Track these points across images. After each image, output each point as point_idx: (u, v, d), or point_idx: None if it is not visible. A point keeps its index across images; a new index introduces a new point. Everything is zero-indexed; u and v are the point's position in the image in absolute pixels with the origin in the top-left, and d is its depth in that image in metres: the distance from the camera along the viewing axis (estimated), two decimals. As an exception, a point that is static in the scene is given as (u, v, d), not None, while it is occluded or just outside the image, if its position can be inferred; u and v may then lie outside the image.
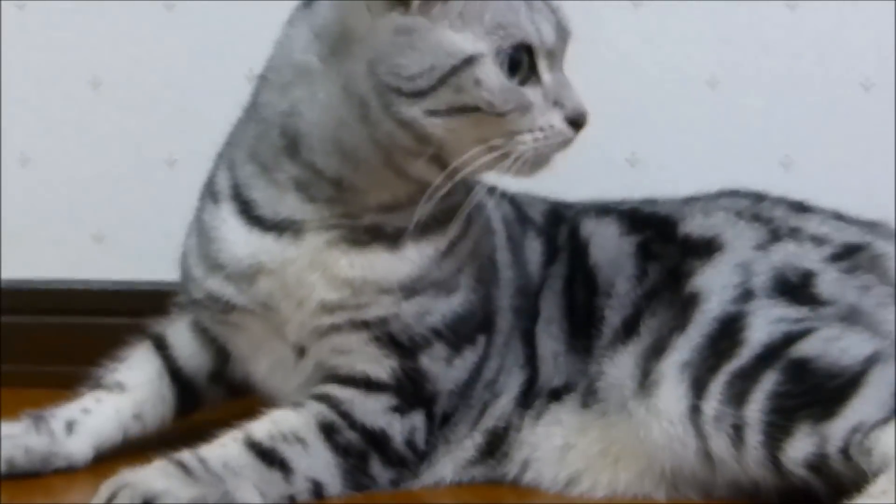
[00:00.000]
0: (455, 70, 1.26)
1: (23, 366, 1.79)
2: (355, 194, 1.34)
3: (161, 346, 1.52)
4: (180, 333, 1.52)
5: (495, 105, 1.26)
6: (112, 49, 1.80)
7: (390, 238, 1.34)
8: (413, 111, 1.27)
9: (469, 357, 1.40)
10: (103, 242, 1.83)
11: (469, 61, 1.26)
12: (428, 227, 1.35)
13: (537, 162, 1.30)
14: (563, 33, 1.33)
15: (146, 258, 1.78)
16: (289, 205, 1.36)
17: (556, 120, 1.30)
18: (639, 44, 1.79)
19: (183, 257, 1.45)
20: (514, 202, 1.54)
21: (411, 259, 1.35)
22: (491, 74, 1.26)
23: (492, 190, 1.49)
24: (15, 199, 1.83)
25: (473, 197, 1.33)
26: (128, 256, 1.82)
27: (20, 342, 1.80)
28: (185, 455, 1.26)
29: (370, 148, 1.31)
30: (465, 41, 1.27)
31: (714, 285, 1.35)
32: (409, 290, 1.34)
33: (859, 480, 1.20)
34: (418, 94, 1.27)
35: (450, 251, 1.37)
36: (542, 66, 1.30)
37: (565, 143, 1.31)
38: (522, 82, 1.29)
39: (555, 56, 1.31)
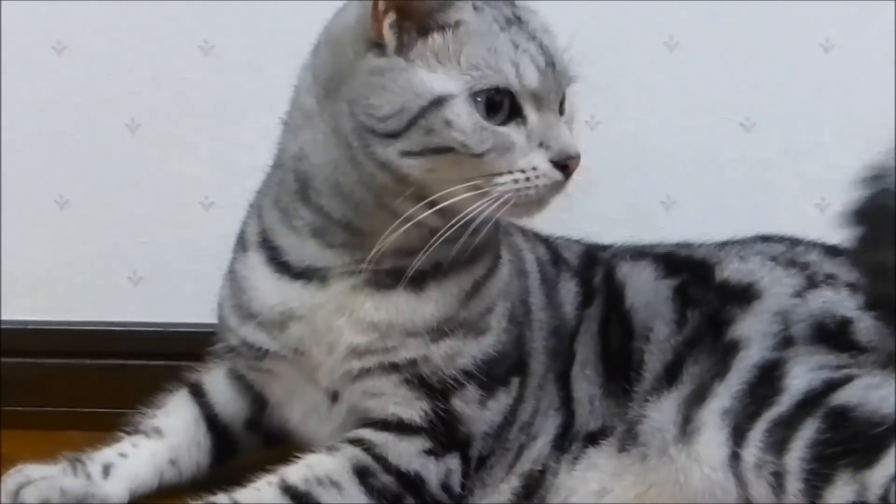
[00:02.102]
0: (424, 111, 1.24)
1: (59, 408, 1.79)
2: (365, 238, 1.32)
3: (198, 394, 1.52)
4: (217, 381, 1.52)
5: (469, 145, 1.24)
6: (150, 92, 1.81)
7: (413, 281, 1.33)
8: (388, 152, 1.26)
9: (503, 399, 1.39)
10: (139, 285, 1.83)
11: (438, 102, 1.24)
12: (451, 268, 1.34)
13: (526, 203, 1.27)
14: (554, 75, 1.29)
15: (182, 301, 1.79)
16: (310, 252, 1.36)
17: (540, 161, 1.26)
18: (673, 86, 1.78)
19: (219, 307, 1.46)
20: (550, 244, 1.53)
21: (435, 300, 1.34)
22: (462, 115, 1.24)
23: (525, 232, 1.50)
24: (53, 240, 1.83)
25: (489, 235, 1.32)
26: (163, 299, 1.82)
27: (56, 384, 1.80)
28: (220, 498, 1.27)
29: (362, 189, 1.31)
30: (435, 81, 1.25)
31: (754, 333, 1.35)
32: (437, 331, 1.34)
33: (898, 529, 1.19)
34: (392, 136, 1.26)
35: (476, 291, 1.37)
36: (528, 107, 1.27)
37: (555, 185, 1.26)
38: (504, 122, 1.26)
39: (543, 97, 1.28)
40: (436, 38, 1.27)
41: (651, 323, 1.42)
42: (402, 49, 1.26)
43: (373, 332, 1.34)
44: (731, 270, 1.43)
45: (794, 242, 1.49)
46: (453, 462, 1.36)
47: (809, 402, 1.27)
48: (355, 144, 1.28)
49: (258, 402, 1.50)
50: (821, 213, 1.76)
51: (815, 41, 1.76)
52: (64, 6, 1.79)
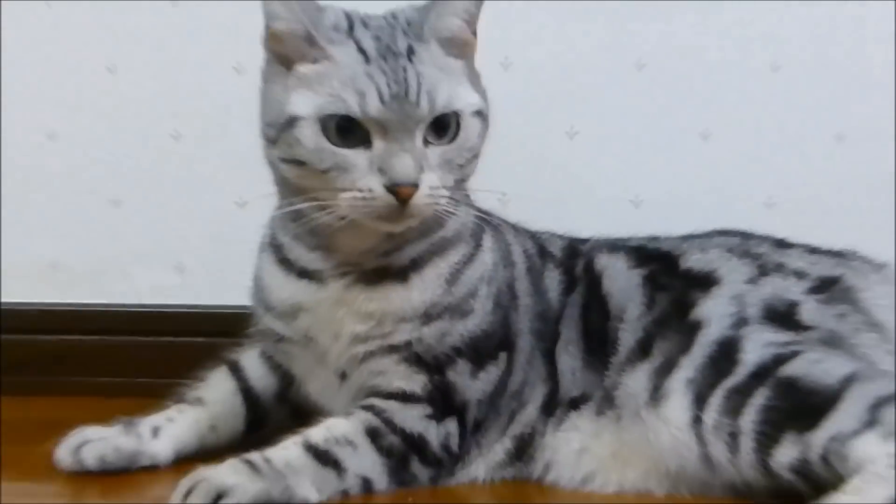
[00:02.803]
0: (283, 127, 1.24)
1: (115, 378, 1.79)
2: (330, 240, 1.32)
3: (235, 370, 1.51)
4: (251, 360, 1.52)
5: (312, 162, 1.23)
6: (191, 108, 1.80)
7: (397, 275, 1.33)
8: (272, 155, 1.28)
9: (493, 371, 1.38)
10: (183, 273, 1.83)
11: (291, 122, 1.24)
12: (425, 259, 1.34)
13: (375, 217, 1.24)
14: (406, 107, 1.23)
15: (220, 287, 1.79)
16: (301, 255, 1.36)
17: (375, 184, 1.22)
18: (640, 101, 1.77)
19: (251, 297, 1.46)
20: (536, 239, 1.52)
21: (419, 289, 1.33)
22: (308, 135, 1.23)
23: (515, 228, 1.50)
24: (108, 235, 1.83)
25: (459, 229, 1.34)
26: (204, 285, 1.82)
27: (112, 358, 1.80)
28: (253, 455, 1.27)
29: (280, 188, 1.32)
30: (293, 103, 1.24)
31: (713, 314, 1.34)
32: (426, 315, 1.33)
33: (837, 482, 1.19)
34: (272, 141, 1.27)
35: (455, 277, 1.36)
36: (375, 134, 1.23)
37: (391, 207, 1.23)
38: (351, 146, 1.23)
39: (390, 126, 1.23)
40: (312, 66, 1.26)
41: (625, 306, 1.41)
42: (290, 66, 1.26)
43: (370, 321, 1.33)
44: (694, 260, 1.42)
45: (746, 236, 1.48)
46: (452, 426, 1.36)
47: (761, 374, 1.27)
48: (263, 146, 1.30)
49: (286, 379, 1.49)
50: (768, 210, 1.75)
51: (764, 63, 1.75)
52: (115, 34, 1.79)
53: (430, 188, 1.24)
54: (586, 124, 1.75)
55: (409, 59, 1.25)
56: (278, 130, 1.25)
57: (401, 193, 1.22)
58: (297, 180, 1.27)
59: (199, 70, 1.79)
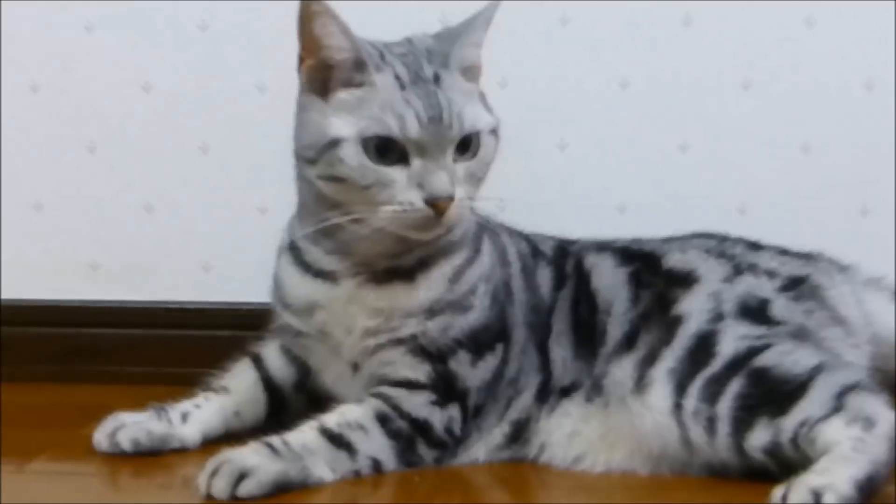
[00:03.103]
0: (325, 147, 1.24)
1: (147, 368, 1.78)
2: (350, 245, 1.31)
3: (257, 361, 1.50)
4: (272, 352, 1.50)
5: (354, 179, 1.23)
6: (218, 122, 1.79)
7: (404, 275, 1.33)
8: (311, 174, 1.27)
9: (490, 360, 1.37)
10: (210, 272, 1.82)
11: (334, 143, 1.23)
12: (431, 260, 1.33)
13: (409, 227, 1.25)
14: (440, 129, 1.24)
15: (244, 285, 1.77)
16: (317, 257, 1.35)
17: (416, 198, 1.23)
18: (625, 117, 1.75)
19: (270, 296, 1.44)
20: (530, 240, 1.50)
21: (424, 287, 1.33)
22: (351, 155, 1.23)
23: (510, 231, 1.48)
24: (142, 238, 1.82)
25: (463, 233, 1.33)
26: (229, 283, 1.81)
27: (145, 349, 1.80)
28: (273, 438, 1.26)
29: (312, 203, 1.31)
30: (334, 125, 1.24)
31: (693, 310, 1.33)
32: (429, 311, 1.32)
33: (806, 463, 1.18)
34: (311, 161, 1.26)
35: (458, 277, 1.35)
36: (413, 153, 1.24)
37: (428, 218, 1.24)
38: (391, 164, 1.23)
39: (426, 146, 1.23)
40: (351, 92, 1.26)
41: (612, 301, 1.39)
42: (326, 93, 1.26)
43: (380, 317, 1.32)
44: (675, 260, 1.41)
45: (722, 238, 1.46)
46: (454, 411, 1.34)
47: (736, 364, 1.26)
48: (299, 166, 1.30)
49: (303, 370, 1.47)
50: (741, 216, 1.73)
51: (736, 81, 1.73)
52: (150, 57, 1.78)
53: (460, 200, 1.25)
54: (575, 137, 1.74)
55: (438, 85, 1.26)
56: (318, 152, 1.25)
57: (439, 206, 1.23)
58: (334, 195, 1.26)
59: (225, 89, 1.78)
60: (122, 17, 1.78)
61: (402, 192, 1.24)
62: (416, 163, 1.24)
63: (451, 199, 1.24)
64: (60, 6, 1.78)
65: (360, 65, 1.26)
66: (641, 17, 1.72)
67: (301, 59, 1.28)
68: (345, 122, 1.24)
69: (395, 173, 1.24)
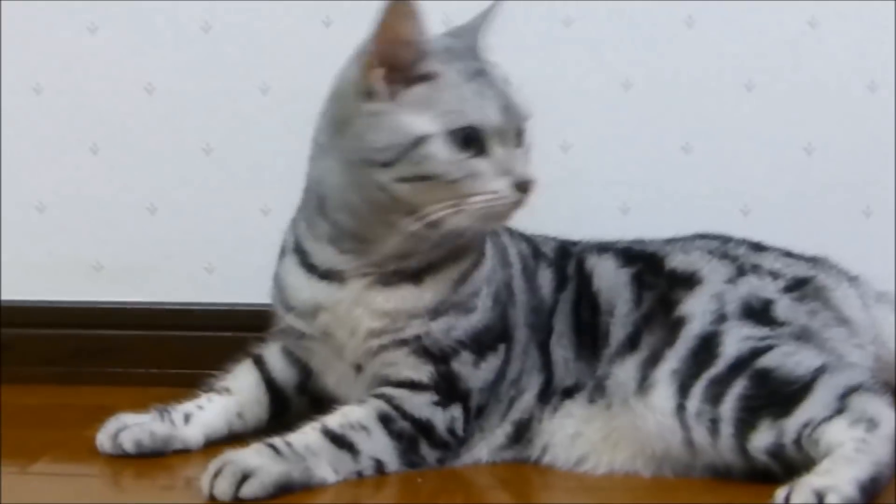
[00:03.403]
0: (409, 146, 1.23)
1: (150, 369, 1.78)
2: (370, 245, 1.31)
3: (259, 363, 1.50)
4: (274, 354, 1.50)
5: (445, 174, 1.23)
6: (220, 123, 1.79)
7: (413, 276, 1.32)
8: (384, 178, 1.25)
9: (492, 361, 1.37)
10: (213, 273, 1.82)
11: (420, 140, 1.23)
12: (440, 264, 1.33)
13: (493, 217, 1.27)
14: (514, 115, 1.28)
15: (245, 286, 1.76)
16: (328, 256, 1.34)
17: (504, 185, 1.25)
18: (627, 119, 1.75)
19: (272, 298, 1.44)
20: (531, 241, 1.50)
21: (432, 289, 1.32)
22: (440, 150, 1.23)
23: (511, 232, 1.48)
24: (145, 239, 1.82)
25: (472, 240, 1.32)
26: (231, 284, 1.80)
27: (148, 350, 1.79)
28: (276, 440, 1.26)
29: (366, 205, 1.29)
30: (417, 123, 1.24)
31: (696, 311, 1.32)
32: (434, 312, 1.32)
33: (808, 464, 1.18)
34: (386, 165, 1.25)
35: (463, 280, 1.35)
36: (492, 142, 1.25)
37: (515, 203, 1.26)
38: (474, 155, 1.24)
39: (505, 133, 1.26)
40: (417, 88, 1.25)
41: (614, 302, 1.39)
42: (392, 97, 1.25)
43: (385, 318, 1.32)
44: (678, 261, 1.40)
45: (725, 239, 1.46)
46: (456, 411, 1.34)
47: (739, 365, 1.26)
48: (359, 171, 1.28)
49: (305, 371, 1.47)
50: (744, 217, 1.73)
51: (739, 83, 1.72)
52: (152, 58, 1.78)
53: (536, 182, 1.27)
54: (578, 139, 1.73)
55: (490, 76, 1.29)
56: (399, 153, 1.24)
57: (528, 189, 1.25)
58: (412, 197, 1.25)
59: (228, 90, 1.77)
60: (125, 18, 1.78)
61: (490, 181, 1.24)
62: (497, 151, 1.25)
63: (533, 181, 1.26)
64: (62, 7, 1.78)
65: (428, 60, 1.26)
66: (643, 17, 1.72)
67: (368, 71, 1.26)
68: (425, 118, 1.24)
69: (481, 164, 1.25)
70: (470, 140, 1.24)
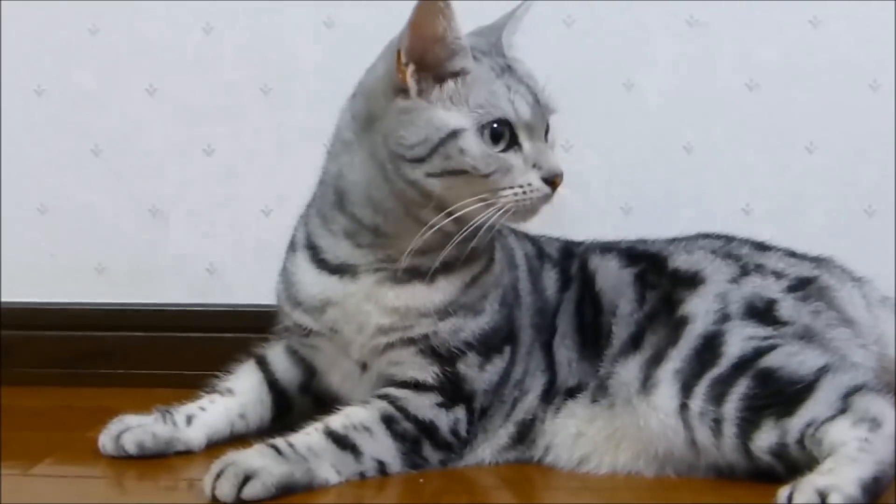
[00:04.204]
0: (442, 141, 1.24)
1: (153, 371, 1.78)
2: (390, 240, 1.31)
3: (262, 363, 1.50)
4: (277, 354, 1.50)
5: (478, 168, 1.24)
6: (222, 127, 1.79)
7: (425, 275, 1.32)
8: (416, 173, 1.26)
9: (498, 363, 1.37)
10: (214, 275, 1.82)
11: (453, 134, 1.24)
12: (454, 265, 1.33)
13: (523, 211, 1.27)
14: (542, 110, 1.30)
15: (247, 287, 1.78)
16: (343, 251, 1.34)
17: (534, 179, 1.26)
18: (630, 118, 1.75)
19: (277, 297, 1.44)
20: (535, 242, 1.51)
21: (442, 290, 1.32)
22: (473, 144, 1.24)
23: (516, 233, 1.48)
24: (148, 242, 1.82)
25: (484, 240, 1.31)
26: (233, 286, 1.81)
27: (150, 352, 1.80)
28: (278, 440, 1.26)
29: (392, 201, 1.29)
30: (450, 118, 1.25)
31: (699, 311, 1.32)
32: (443, 312, 1.32)
33: (811, 464, 1.17)
34: (418, 160, 1.25)
35: (473, 282, 1.35)
36: (522, 136, 1.27)
37: (545, 197, 1.27)
38: (505, 149, 1.26)
39: (534, 128, 1.28)
40: (448, 84, 1.26)
41: (617, 302, 1.39)
42: (423, 93, 1.26)
43: (395, 315, 1.32)
44: (681, 261, 1.40)
45: (728, 239, 1.46)
46: (460, 413, 1.34)
47: (742, 365, 1.25)
48: (389, 167, 1.28)
49: (309, 371, 1.47)
50: (746, 216, 1.73)
51: (741, 83, 1.72)
52: (154, 59, 1.79)
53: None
54: (581, 139, 1.72)
55: (517, 72, 1.31)
56: (433, 148, 1.25)
57: (557, 182, 1.27)
58: (444, 191, 1.26)
59: (230, 91, 1.78)
60: (127, 19, 1.78)
61: (521, 174, 1.26)
62: (527, 145, 1.27)
63: (562, 175, 1.27)
64: (63, 8, 1.79)
65: (459, 57, 1.26)
66: (647, 18, 1.73)
67: (398, 67, 1.26)
68: (458, 113, 1.25)
69: (512, 158, 1.26)
70: (501, 135, 1.26)
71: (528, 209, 1.28)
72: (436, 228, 1.27)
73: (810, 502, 1.10)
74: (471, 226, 1.26)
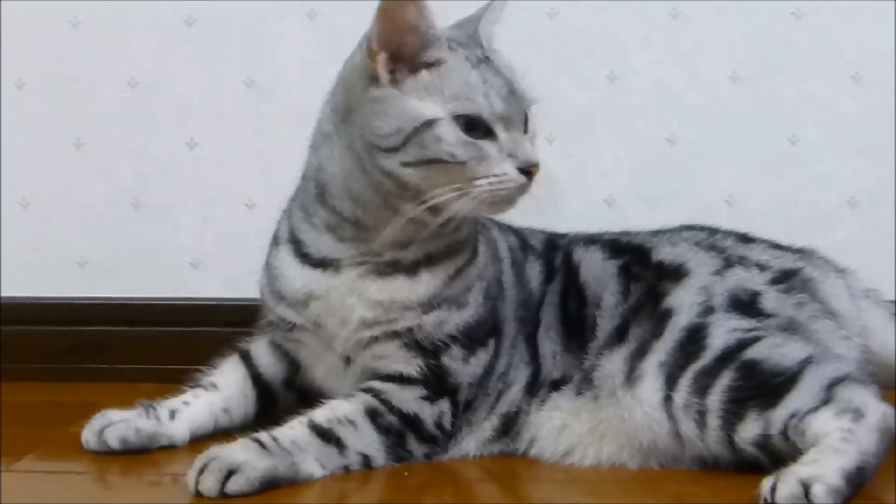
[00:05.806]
0: (417, 130, 1.23)
1: (136, 365, 1.77)
2: (370, 233, 1.31)
3: (246, 358, 1.49)
4: (261, 348, 1.49)
5: (455, 155, 1.23)
6: (207, 120, 1.78)
7: (408, 268, 1.32)
8: (391, 163, 1.25)
9: (482, 356, 1.36)
10: (198, 268, 1.80)
11: (428, 123, 1.23)
12: (437, 258, 1.33)
13: (499, 201, 1.27)
14: (519, 101, 1.29)
15: (231, 281, 1.77)
16: (326, 244, 1.34)
17: (509, 168, 1.25)
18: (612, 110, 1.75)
19: (261, 291, 1.43)
20: (519, 234, 1.50)
21: (426, 283, 1.32)
22: (448, 132, 1.23)
23: (500, 226, 1.48)
24: (130, 236, 1.82)
25: (463, 231, 1.32)
26: (217, 279, 1.80)
27: (135, 346, 1.79)
28: (262, 434, 1.25)
29: (371, 192, 1.29)
30: (425, 108, 1.24)
31: (684, 303, 1.32)
32: (427, 305, 1.32)
33: (795, 455, 1.18)
34: (393, 150, 1.25)
35: (457, 275, 1.34)
36: (498, 127, 1.26)
37: (521, 187, 1.26)
38: (480, 139, 1.25)
39: (510, 119, 1.27)
40: (423, 75, 1.26)
41: (601, 294, 1.39)
42: (397, 82, 1.26)
43: (378, 308, 1.31)
44: (665, 253, 1.40)
45: (712, 231, 1.46)
46: (445, 406, 1.33)
47: (726, 357, 1.25)
48: (365, 157, 1.27)
49: (293, 366, 1.46)
50: (729, 208, 1.73)
51: (724, 76, 1.73)
52: (135, 53, 1.77)
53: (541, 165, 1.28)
54: (563, 131, 1.72)
55: (494, 63, 1.29)
56: (407, 137, 1.24)
57: (533, 172, 1.26)
58: (420, 181, 1.25)
59: (214, 84, 1.77)
60: (108, 12, 1.77)
61: (496, 163, 1.25)
62: (502, 135, 1.26)
63: (538, 165, 1.26)
64: (45, 1, 1.77)
65: (434, 47, 1.26)
66: (630, 10, 1.72)
67: (370, 56, 1.26)
68: (433, 103, 1.24)
69: (489, 146, 1.25)
70: (476, 125, 1.25)
71: (505, 199, 1.27)
72: (414, 219, 1.26)
73: (794, 492, 1.11)
74: (447, 215, 1.26)
